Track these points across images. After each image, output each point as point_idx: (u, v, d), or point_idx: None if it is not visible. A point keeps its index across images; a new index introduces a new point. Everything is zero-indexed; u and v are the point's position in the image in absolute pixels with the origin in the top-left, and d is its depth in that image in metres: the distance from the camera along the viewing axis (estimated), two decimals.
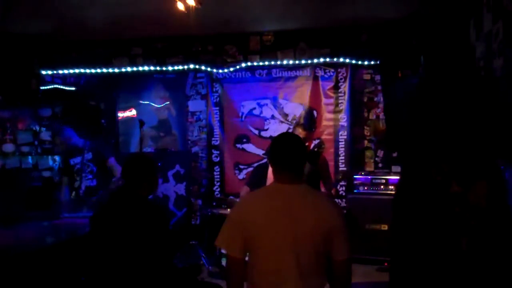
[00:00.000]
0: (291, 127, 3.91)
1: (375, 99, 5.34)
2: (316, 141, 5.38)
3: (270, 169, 4.00)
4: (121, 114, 5.85)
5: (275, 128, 5.45)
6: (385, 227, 4.74)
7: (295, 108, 5.40)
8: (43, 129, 5.41)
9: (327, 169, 4.13)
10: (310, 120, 4.30)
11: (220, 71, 5.52)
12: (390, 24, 4.80)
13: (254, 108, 5.56)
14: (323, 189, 3.95)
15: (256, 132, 5.57)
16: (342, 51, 5.22)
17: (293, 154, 1.94)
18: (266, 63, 5.36)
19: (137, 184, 2.45)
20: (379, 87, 5.26)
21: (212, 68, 5.49)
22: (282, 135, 2.14)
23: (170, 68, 5.53)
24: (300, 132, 3.77)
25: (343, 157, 5.33)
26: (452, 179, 1.97)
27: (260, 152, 5.51)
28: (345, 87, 5.33)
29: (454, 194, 1.96)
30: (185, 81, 5.75)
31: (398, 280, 2.24)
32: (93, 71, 5.59)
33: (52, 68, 5.55)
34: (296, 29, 5.22)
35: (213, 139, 5.68)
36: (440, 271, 2.02)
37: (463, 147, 2.04)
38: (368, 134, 5.38)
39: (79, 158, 4.15)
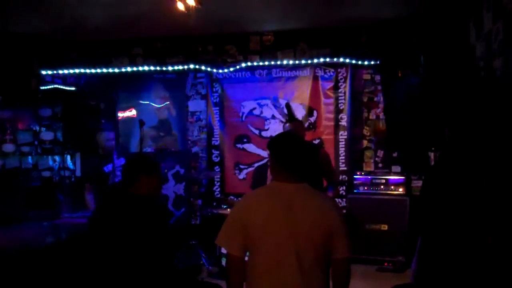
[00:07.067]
0: (287, 125, 3.90)
1: (375, 99, 5.34)
2: (317, 141, 5.39)
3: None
4: (121, 114, 5.85)
5: (276, 128, 5.45)
6: (385, 227, 4.74)
7: (296, 108, 5.39)
8: (43, 129, 5.40)
9: (329, 164, 4.04)
10: (290, 111, 4.21)
11: (220, 71, 5.51)
12: (390, 24, 4.79)
13: (255, 108, 5.56)
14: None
15: (257, 132, 5.57)
16: (342, 51, 5.21)
17: (294, 153, 1.95)
18: (266, 63, 5.35)
19: (128, 183, 2.41)
20: (379, 87, 5.25)
21: (212, 68, 5.48)
22: (282, 134, 2.18)
23: (170, 68, 5.53)
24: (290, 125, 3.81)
25: (343, 157, 5.33)
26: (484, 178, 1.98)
27: (261, 152, 5.51)
28: (345, 87, 5.33)
29: (483, 189, 1.96)
30: (185, 81, 5.75)
31: (424, 275, 2.25)
32: (93, 71, 5.59)
33: (52, 68, 5.55)
34: (296, 29, 5.22)
35: (213, 139, 5.68)
36: (466, 266, 2.02)
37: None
38: (368, 134, 5.38)
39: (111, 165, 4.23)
